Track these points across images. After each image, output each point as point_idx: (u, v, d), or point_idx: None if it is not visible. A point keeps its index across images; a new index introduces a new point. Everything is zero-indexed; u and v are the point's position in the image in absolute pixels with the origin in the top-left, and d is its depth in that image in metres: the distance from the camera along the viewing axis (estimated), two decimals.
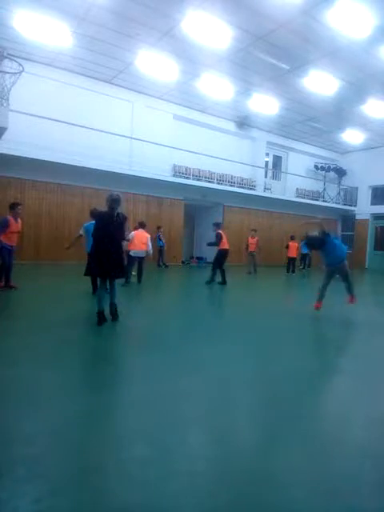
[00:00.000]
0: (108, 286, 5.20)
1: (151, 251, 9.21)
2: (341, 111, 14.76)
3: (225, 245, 9.82)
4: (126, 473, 1.93)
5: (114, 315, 5.08)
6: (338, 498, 1.84)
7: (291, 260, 14.39)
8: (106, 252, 4.85)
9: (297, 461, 2.13)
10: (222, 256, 9.77)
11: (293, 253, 14.44)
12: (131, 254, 8.65)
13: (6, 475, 1.86)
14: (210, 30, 9.52)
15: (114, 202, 4.92)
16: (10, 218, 7.00)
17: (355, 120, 15.65)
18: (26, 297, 6.88)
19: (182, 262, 15.54)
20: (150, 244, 9.01)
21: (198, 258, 17.65)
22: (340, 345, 4.94)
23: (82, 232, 7.25)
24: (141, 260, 8.98)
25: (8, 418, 2.45)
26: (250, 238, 13.79)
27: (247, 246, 13.81)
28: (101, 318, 4.86)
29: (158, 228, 14.16)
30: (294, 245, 14.46)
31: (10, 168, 11.59)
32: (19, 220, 7.24)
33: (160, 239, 14.09)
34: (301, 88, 12.78)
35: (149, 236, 9.10)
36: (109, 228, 4.91)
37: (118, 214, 4.97)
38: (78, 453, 2.10)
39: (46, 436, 2.24)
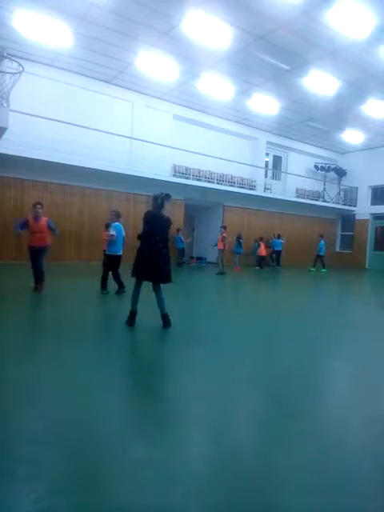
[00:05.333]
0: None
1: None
2: (341, 111, 14.74)
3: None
4: (126, 473, 1.92)
5: (166, 322, 4.85)
6: (338, 498, 1.84)
7: (262, 258, 16.24)
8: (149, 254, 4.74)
9: (297, 461, 2.13)
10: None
11: (263, 252, 16.30)
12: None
13: (6, 475, 1.85)
14: (210, 30, 9.52)
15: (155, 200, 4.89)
16: (29, 218, 7.01)
17: (355, 120, 15.63)
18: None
19: (182, 262, 15.54)
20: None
21: (197, 258, 17.65)
22: (340, 345, 4.94)
23: (113, 232, 7.18)
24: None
25: (8, 417, 2.45)
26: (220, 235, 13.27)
27: (217, 243, 13.32)
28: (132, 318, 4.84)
29: (178, 230, 14.84)
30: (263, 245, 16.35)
31: (10, 168, 11.59)
32: (43, 219, 7.09)
33: (182, 241, 14.99)
34: (301, 88, 12.78)
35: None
36: (156, 230, 4.79)
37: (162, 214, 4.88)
38: (79, 453, 2.10)
39: (46, 436, 2.24)
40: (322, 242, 16.67)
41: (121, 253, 7.27)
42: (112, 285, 7.35)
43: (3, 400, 2.69)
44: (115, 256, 7.18)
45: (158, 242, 4.72)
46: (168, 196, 4.91)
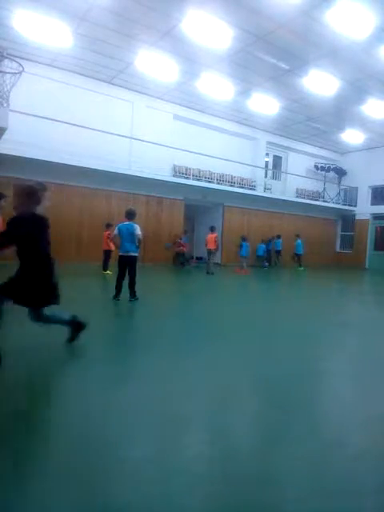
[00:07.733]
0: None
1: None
2: (341, 111, 14.75)
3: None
4: (125, 472, 1.92)
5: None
6: (337, 498, 1.83)
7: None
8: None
9: (297, 461, 2.13)
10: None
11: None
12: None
13: (6, 475, 1.85)
14: (210, 30, 9.52)
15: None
16: None
17: (355, 120, 15.64)
18: None
19: (182, 263, 15.54)
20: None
21: (197, 258, 17.67)
22: (338, 345, 4.94)
23: (116, 232, 6.82)
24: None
25: (9, 417, 2.45)
26: (210, 235, 13.29)
27: (206, 243, 13.32)
28: None
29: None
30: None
31: (10, 168, 11.57)
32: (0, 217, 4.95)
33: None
34: (301, 88, 12.78)
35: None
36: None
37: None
38: (78, 453, 2.10)
39: (46, 435, 2.24)
40: (299, 241, 17.10)
41: (123, 253, 6.65)
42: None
43: None
44: (119, 256, 6.78)
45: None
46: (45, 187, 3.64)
